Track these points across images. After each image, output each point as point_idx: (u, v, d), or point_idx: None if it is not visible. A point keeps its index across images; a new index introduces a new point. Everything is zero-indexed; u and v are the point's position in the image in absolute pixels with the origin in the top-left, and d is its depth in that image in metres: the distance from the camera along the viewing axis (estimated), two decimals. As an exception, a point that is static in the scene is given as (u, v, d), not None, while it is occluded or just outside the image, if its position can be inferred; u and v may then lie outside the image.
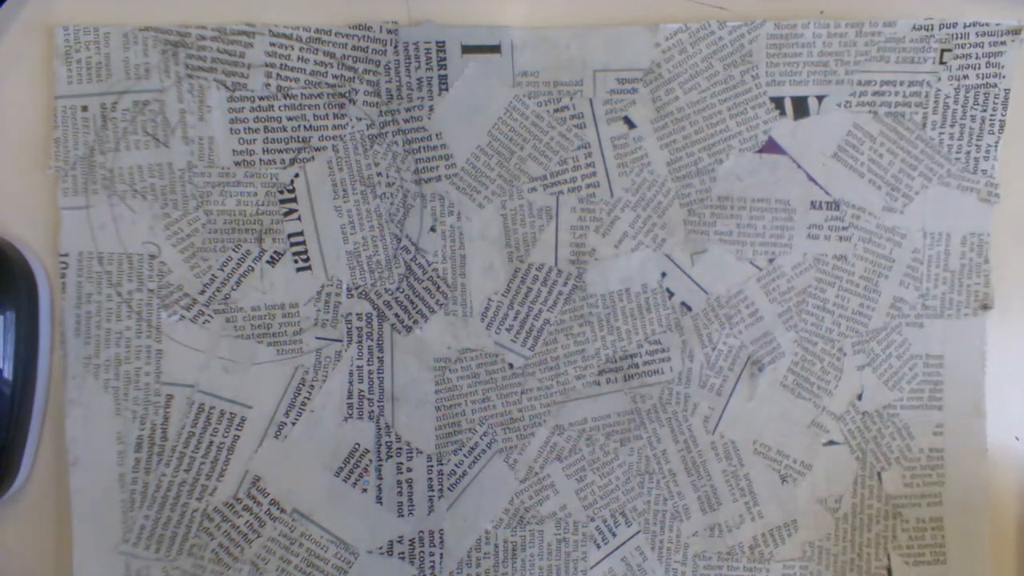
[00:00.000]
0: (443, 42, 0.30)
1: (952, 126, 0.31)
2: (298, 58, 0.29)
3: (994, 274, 0.31)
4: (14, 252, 0.28)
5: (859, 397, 0.31)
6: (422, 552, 0.30)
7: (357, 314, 0.30)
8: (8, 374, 0.27)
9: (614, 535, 0.30)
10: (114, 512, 0.29)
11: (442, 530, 0.30)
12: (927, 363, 0.31)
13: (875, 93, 0.31)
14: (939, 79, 0.31)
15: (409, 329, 0.30)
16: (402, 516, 0.30)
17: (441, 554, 0.30)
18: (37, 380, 0.28)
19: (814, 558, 0.31)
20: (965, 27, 0.30)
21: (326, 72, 0.29)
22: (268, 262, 0.29)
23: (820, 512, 0.31)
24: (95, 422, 0.29)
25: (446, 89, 0.30)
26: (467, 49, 0.30)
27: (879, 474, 0.31)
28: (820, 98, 0.31)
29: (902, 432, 0.31)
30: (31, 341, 0.28)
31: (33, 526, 0.29)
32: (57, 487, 0.29)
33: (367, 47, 0.29)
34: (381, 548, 0.30)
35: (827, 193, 0.31)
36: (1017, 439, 0.31)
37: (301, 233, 0.29)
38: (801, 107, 0.31)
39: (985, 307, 0.31)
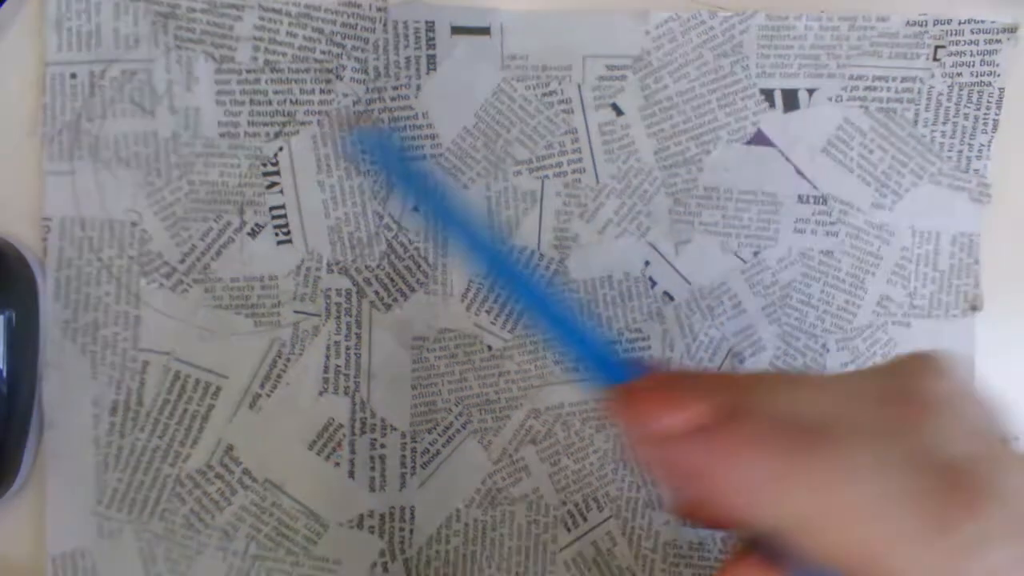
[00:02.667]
0: (432, 22, 0.30)
1: (944, 124, 0.31)
2: (287, 32, 0.29)
3: (987, 274, 0.31)
4: (13, 252, 0.28)
5: (839, 393, 0.31)
6: (392, 527, 0.30)
7: (336, 289, 0.30)
8: (8, 374, 0.27)
9: (585, 520, 0.30)
10: (88, 474, 0.29)
11: (413, 506, 0.30)
12: (910, 362, 0.31)
13: (867, 88, 0.30)
14: (932, 76, 0.30)
15: (388, 307, 0.30)
16: (373, 491, 0.30)
17: (411, 530, 0.30)
18: (37, 380, 0.28)
19: (786, 552, 0.31)
20: (960, 24, 0.30)
21: (314, 47, 0.29)
22: (249, 234, 0.30)
23: (794, 506, 0.31)
24: (71, 385, 0.29)
25: (434, 69, 0.30)
26: (456, 30, 0.30)
27: (856, 471, 0.31)
28: (811, 91, 0.30)
29: (881, 430, 0.31)
30: (31, 341, 0.28)
31: (33, 526, 0.29)
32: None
33: (356, 24, 0.29)
34: (351, 521, 0.30)
35: (815, 187, 0.31)
36: (1017, 439, 0.31)
37: (283, 207, 0.30)
38: (791, 100, 0.30)
39: (974, 308, 0.31)
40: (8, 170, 0.29)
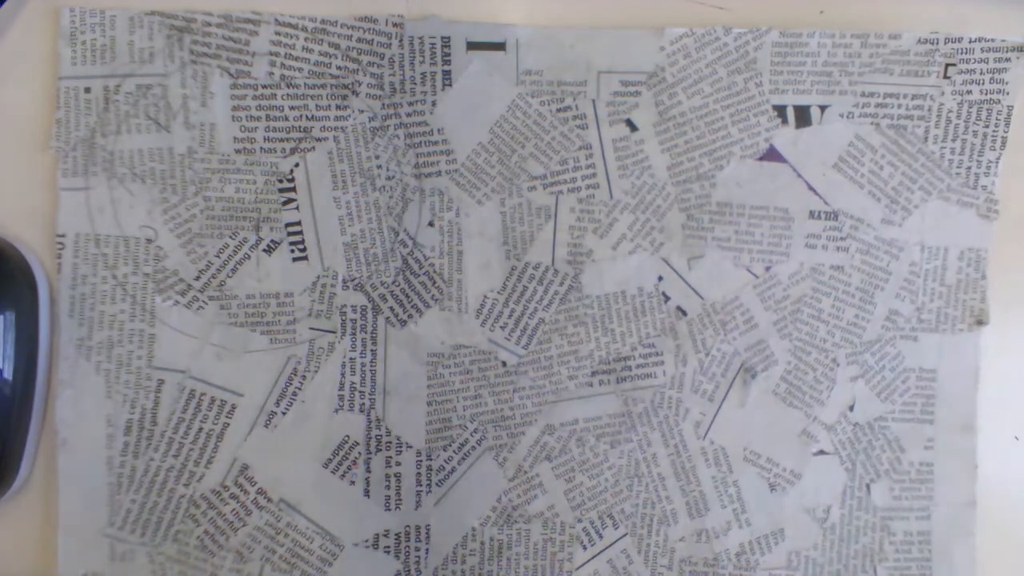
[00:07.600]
0: (448, 38, 0.30)
1: (954, 141, 0.31)
2: (303, 48, 0.29)
3: (992, 288, 0.31)
4: (14, 252, 0.28)
5: (851, 408, 0.31)
6: (407, 547, 0.30)
7: (352, 306, 0.30)
8: (8, 374, 0.27)
9: (601, 537, 0.30)
10: (101, 494, 0.29)
11: (428, 525, 0.30)
12: (920, 376, 0.31)
13: (878, 105, 0.31)
14: (942, 93, 0.31)
15: (403, 323, 0.30)
16: (389, 510, 0.30)
17: (427, 549, 0.30)
18: (37, 380, 0.28)
19: (800, 568, 0.31)
20: (970, 42, 0.30)
21: (330, 63, 0.29)
22: (265, 251, 0.29)
23: (807, 522, 0.31)
24: (85, 404, 0.29)
25: (449, 85, 0.30)
26: (472, 46, 0.30)
27: (868, 486, 0.31)
28: (823, 108, 0.31)
29: (892, 445, 0.31)
30: (31, 341, 0.27)
31: (32, 526, 0.29)
32: (56, 488, 0.29)
33: (372, 39, 0.29)
34: (367, 541, 0.30)
35: (826, 203, 0.31)
36: (1017, 439, 0.31)
37: (299, 223, 0.29)
38: (803, 116, 0.31)
39: (980, 323, 0.31)
40: (21, 185, 0.29)
